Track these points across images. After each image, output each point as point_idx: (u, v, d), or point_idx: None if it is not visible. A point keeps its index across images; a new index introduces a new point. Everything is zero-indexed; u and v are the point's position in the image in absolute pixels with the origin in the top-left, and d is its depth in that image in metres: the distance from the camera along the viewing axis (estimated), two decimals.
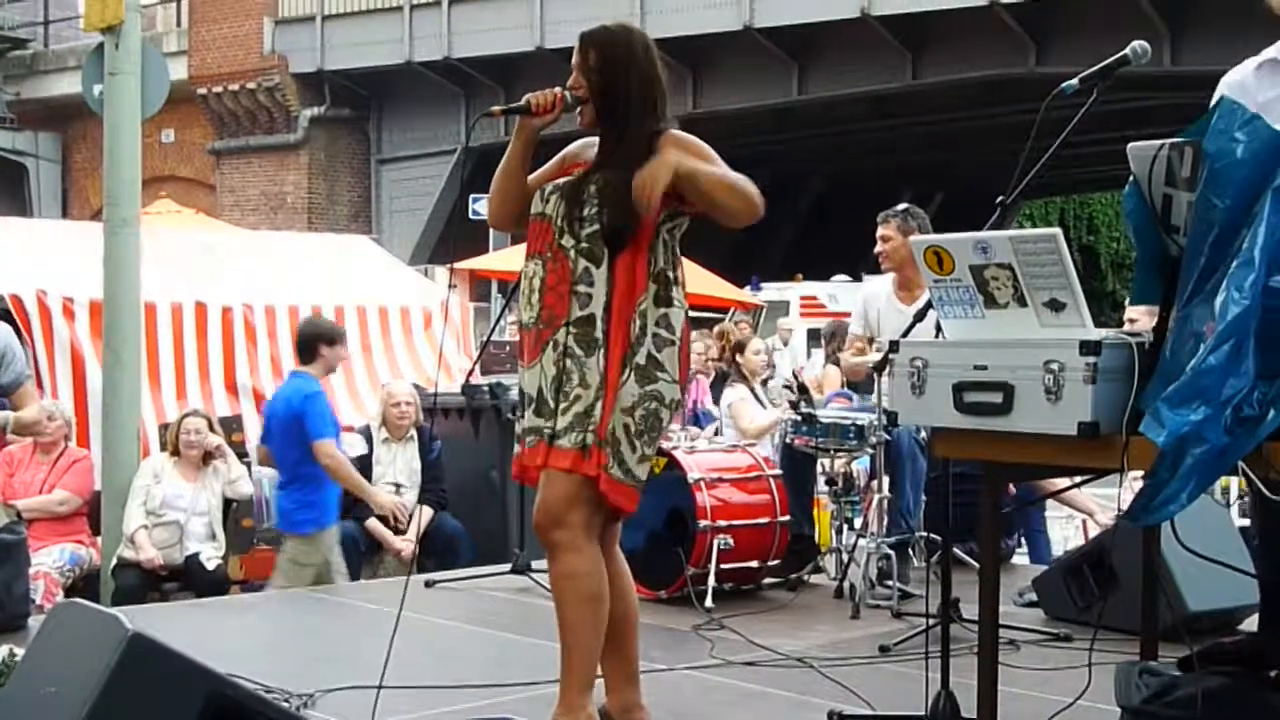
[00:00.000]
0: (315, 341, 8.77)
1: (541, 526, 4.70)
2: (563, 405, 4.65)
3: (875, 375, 6.61)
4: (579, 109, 4.77)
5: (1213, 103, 4.15)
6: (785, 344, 12.07)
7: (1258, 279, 3.33)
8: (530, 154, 4.85)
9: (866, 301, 8.13)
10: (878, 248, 7.95)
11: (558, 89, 4.74)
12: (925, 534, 7.43)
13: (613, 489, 4.63)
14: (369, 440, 10.02)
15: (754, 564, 7.53)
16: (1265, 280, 3.35)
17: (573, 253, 4.69)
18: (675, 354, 4.71)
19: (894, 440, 7.42)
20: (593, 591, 4.69)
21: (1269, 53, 4.45)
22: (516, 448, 4.82)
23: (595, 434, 4.60)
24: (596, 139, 4.85)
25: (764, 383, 12.32)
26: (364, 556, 9.85)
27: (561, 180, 4.81)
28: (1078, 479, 5.06)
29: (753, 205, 4.66)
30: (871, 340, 7.92)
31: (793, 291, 26.82)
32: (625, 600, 4.93)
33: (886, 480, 7.53)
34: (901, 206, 8.06)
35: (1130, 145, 3.76)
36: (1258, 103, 4.20)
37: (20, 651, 4.68)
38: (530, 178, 4.89)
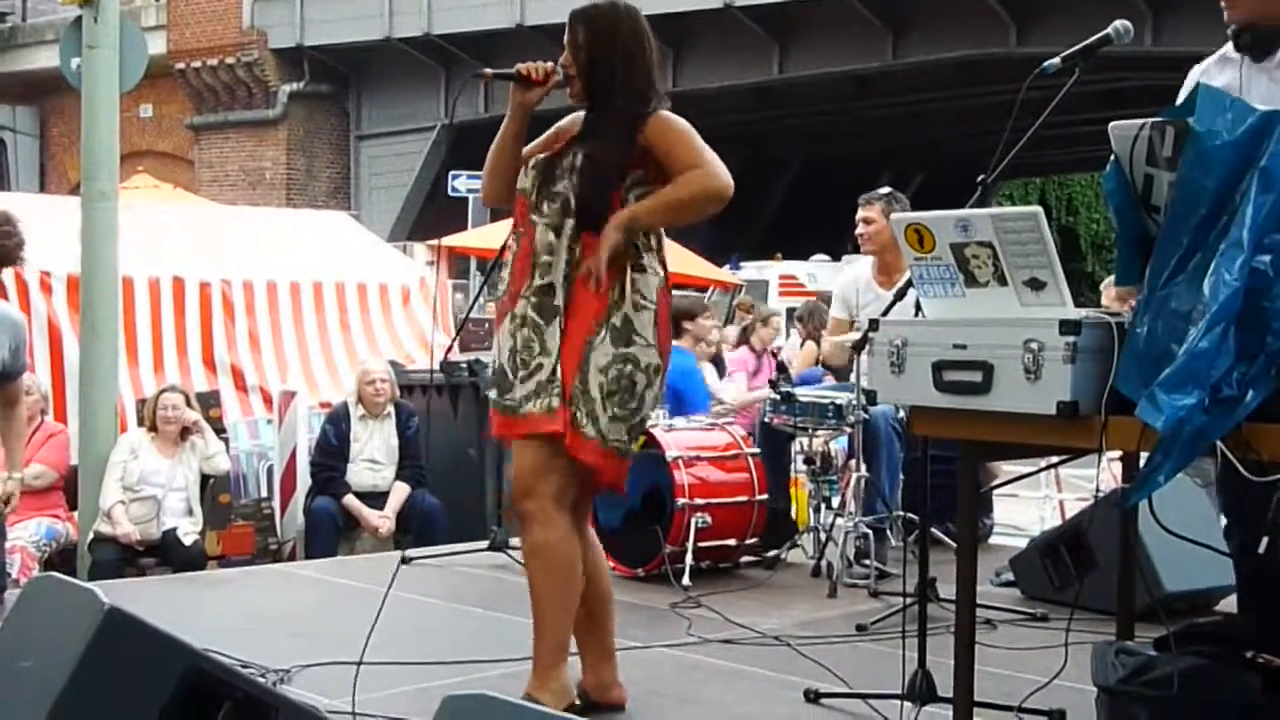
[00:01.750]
0: (679, 318, 9.42)
1: (514, 498, 4.77)
2: (522, 375, 4.68)
3: (855, 354, 6.61)
4: (569, 85, 4.80)
5: (1185, 89, 4.20)
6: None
7: (1246, 261, 3.33)
8: (524, 130, 4.88)
9: (847, 285, 8.12)
10: (859, 230, 7.92)
11: (549, 63, 4.77)
12: (902, 513, 7.45)
13: (582, 448, 4.65)
14: (346, 418, 10.01)
15: (731, 542, 7.53)
16: (1250, 261, 3.35)
17: (540, 226, 4.72)
18: (651, 319, 4.73)
19: (871, 422, 7.42)
20: (561, 563, 4.71)
21: (1224, 50, 4.55)
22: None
23: (561, 396, 4.63)
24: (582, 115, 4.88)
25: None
26: (341, 533, 9.86)
27: (541, 156, 4.83)
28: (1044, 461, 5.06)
29: (711, 201, 4.72)
30: (852, 324, 7.91)
31: (772, 270, 26.81)
32: (600, 578, 4.96)
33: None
34: (885, 190, 8.04)
35: (1112, 125, 3.75)
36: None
37: None
38: (524, 151, 4.91)
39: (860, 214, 7.90)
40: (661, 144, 4.71)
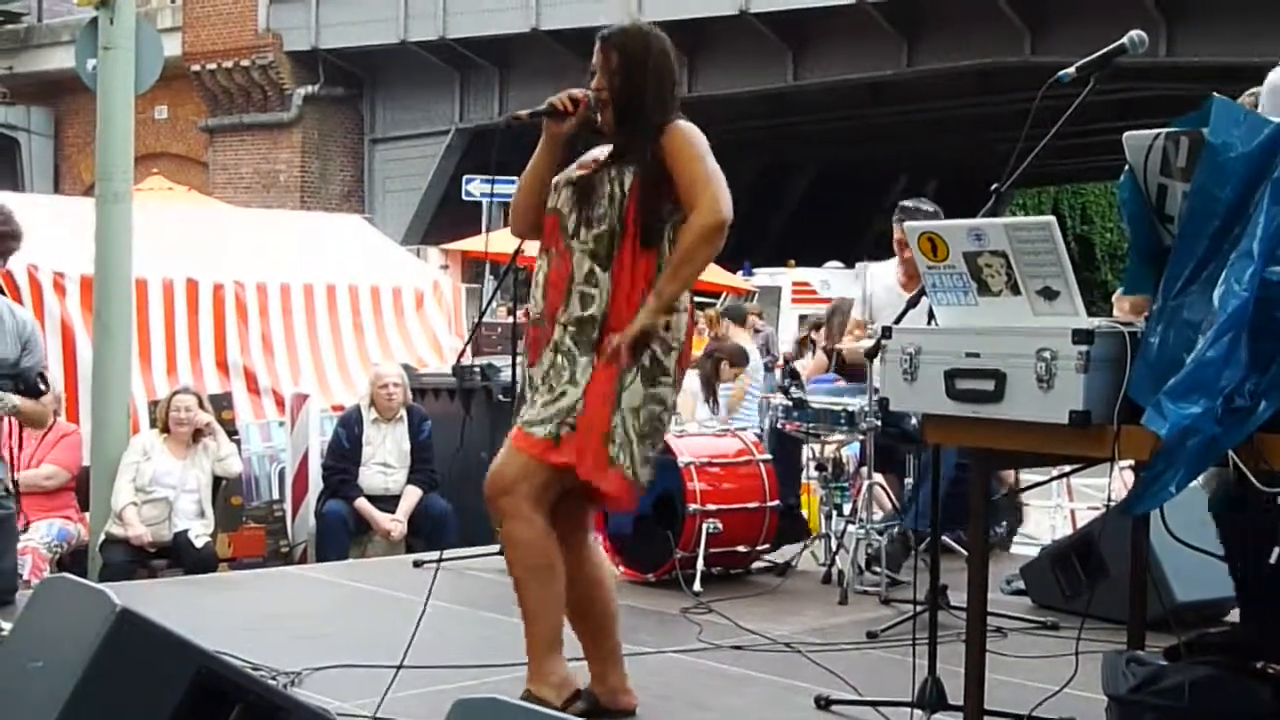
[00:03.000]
0: None
1: (489, 492, 4.80)
2: (546, 399, 4.70)
3: (868, 361, 6.60)
4: (599, 111, 4.80)
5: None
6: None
7: (1256, 271, 3.33)
8: (556, 161, 4.89)
9: (869, 287, 8.10)
10: (906, 254, 7.82)
11: (578, 90, 4.79)
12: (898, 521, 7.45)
13: (605, 478, 4.71)
14: (359, 421, 10.01)
15: (743, 548, 7.53)
16: (1262, 271, 3.35)
17: (579, 252, 4.74)
18: (676, 359, 4.79)
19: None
20: (539, 561, 4.75)
21: None
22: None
23: (573, 428, 4.64)
24: (609, 146, 4.86)
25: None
26: (352, 536, 9.86)
27: (576, 174, 4.82)
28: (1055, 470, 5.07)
29: (711, 241, 4.70)
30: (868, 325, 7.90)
31: (785, 277, 26.79)
32: (603, 590, 4.99)
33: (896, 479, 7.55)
34: (929, 207, 7.91)
35: (1126, 135, 3.76)
36: None
37: (8, 626, 4.68)
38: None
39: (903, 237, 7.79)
40: (670, 157, 4.73)
